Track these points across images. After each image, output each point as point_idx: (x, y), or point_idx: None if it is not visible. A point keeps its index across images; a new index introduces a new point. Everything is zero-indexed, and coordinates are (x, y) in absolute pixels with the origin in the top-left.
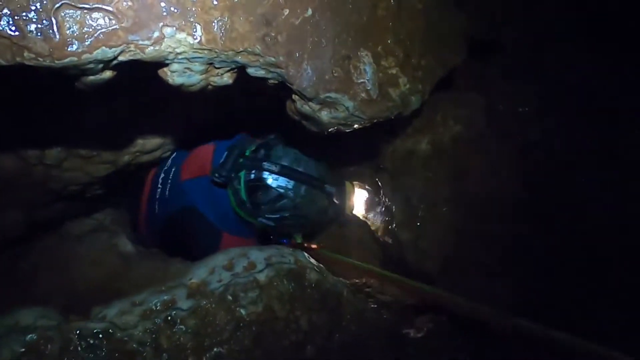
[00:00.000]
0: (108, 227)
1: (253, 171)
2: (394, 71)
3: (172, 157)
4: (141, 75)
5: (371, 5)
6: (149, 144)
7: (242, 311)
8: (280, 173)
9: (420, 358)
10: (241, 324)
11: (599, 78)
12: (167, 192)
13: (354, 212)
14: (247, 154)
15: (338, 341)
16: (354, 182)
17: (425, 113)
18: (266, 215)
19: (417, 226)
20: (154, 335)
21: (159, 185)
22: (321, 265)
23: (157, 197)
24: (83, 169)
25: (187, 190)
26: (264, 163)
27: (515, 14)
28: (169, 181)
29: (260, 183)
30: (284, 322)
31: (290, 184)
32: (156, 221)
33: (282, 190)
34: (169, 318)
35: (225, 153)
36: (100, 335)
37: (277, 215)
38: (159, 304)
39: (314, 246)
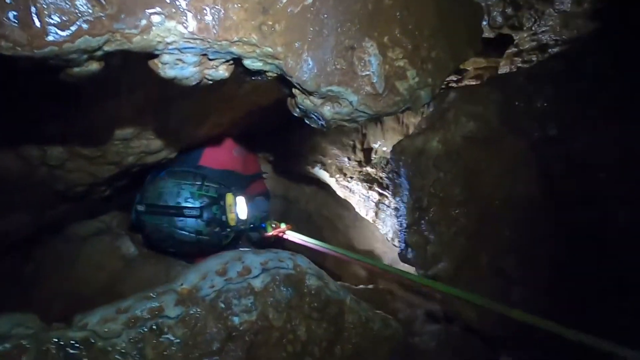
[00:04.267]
0: (113, 230)
1: (132, 214)
2: (401, 63)
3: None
4: (142, 72)
5: None
6: (154, 145)
7: (235, 320)
8: (146, 212)
9: None
10: (233, 334)
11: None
12: None
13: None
14: None
15: (339, 353)
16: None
17: (437, 109)
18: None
19: (428, 229)
20: (139, 345)
21: None
22: (323, 275)
23: None
24: (87, 170)
25: None
26: (137, 205)
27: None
28: None
29: (140, 224)
30: (280, 332)
31: (156, 219)
32: None
33: (153, 227)
34: (155, 327)
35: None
36: (80, 345)
37: (170, 243)
38: (145, 311)
39: (283, 226)
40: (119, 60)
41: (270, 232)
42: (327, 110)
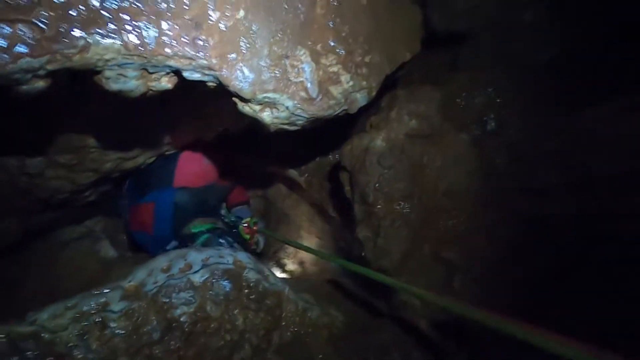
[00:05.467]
0: (94, 234)
1: None
2: (335, 69)
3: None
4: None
5: (309, 4)
6: (132, 148)
7: (175, 312)
8: None
9: (365, 356)
10: (173, 324)
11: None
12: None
13: None
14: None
15: (277, 340)
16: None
17: (382, 109)
18: None
19: (375, 223)
20: (84, 337)
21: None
22: (264, 269)
23: None
24: (66, 177)
25: (136, 238)
26: None
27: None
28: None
29: None
30: (218, 322)
31: None
32: None
33: None
34: (100, 320)
35: None
36: (29, 338)
37: None
38: (91, 307)
39: (254, 227)
40: (65, 77)
41: (246, 235)
42: (266, 115)
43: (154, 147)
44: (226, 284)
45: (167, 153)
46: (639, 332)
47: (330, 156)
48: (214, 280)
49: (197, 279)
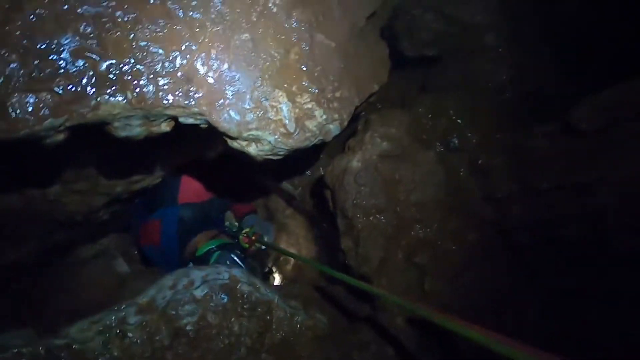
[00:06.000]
0: (109, 251)
1: None
2: (309, 105)
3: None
4: None
5: (284, 52)
6: (138, 174)
7: (181, 322)
8: None
9: (345, 351)
10: (180, 332)
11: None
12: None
13: None
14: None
15: (269, 342)
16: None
17: (358, 132)
18: None
19: (355, 234)
20: (108, 346)
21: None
22: (256, 281)
23: None
24: (82, 202)
25: (146, 252)
26: None
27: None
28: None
29: None
30: (217, 328)
31: None
32: None
33: None
34: (120, 331)
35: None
36: (63, 350)
37: None
38: (112, 321)
39: (253, 237)
40: (81, 130)
41: (245, 244)
42: (252, 149)
43: (158, 171)
44: (223, 297)
45: (170, 175)
46: (592, 319)
47: (321, 170)
48: (213, 294)
49: (198, 293)
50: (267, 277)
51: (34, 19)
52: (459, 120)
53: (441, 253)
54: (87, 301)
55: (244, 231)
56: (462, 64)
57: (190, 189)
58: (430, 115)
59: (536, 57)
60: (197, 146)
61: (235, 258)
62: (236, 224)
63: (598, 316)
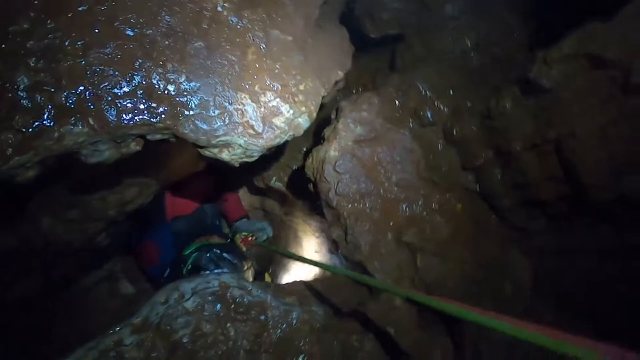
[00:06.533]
0: (114, 274)
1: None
2: (274, 103)
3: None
4: None
5: (240, 54)
6: (128, 195)
7: (176, 335)
8: None
9: (345, 338)
10: (176, 346)
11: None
12: None
13: None
14: None
15: (267, 341)
16: None
17: (332, 121)
18: None
19: (343, 223)
20: None
21: None
22: (246, 284)
23: None
24: (77, 230)
25: (148, 273)
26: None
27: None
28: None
29: None
30: (213, 336)
31: None
32: None
33: None
34: (116, 354)
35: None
36: None
37: None
38: (108, 345)
39: (249, 239)
40: (50, 162)
41: (241, 244)
42: (225, 155)
43: (147, 187)
44: (216, 304)
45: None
46: (582, 274)
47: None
48: (205, 303)
49: (190, 305)
50: (262, 276)
51: None
52: (429, 94)
53: (430, 228)
54: (95, 325)
55: (242, 233)
56: (426, 38)
57: (176, 203)
58: (400, 93)
59: (498, 22)
60: (179, 158)
61: (210, 256)
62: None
63: (588, 271)
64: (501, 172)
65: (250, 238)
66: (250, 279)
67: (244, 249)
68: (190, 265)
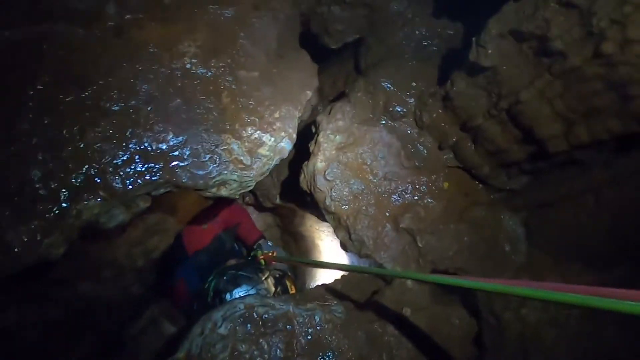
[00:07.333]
0: (156, 319)
1: None
2: (256, 135)
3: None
4: None
5: (215, 99)
6: (151, 244)
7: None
8: None
9: (368, 328)
10: None
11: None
12: None
13: None
14: None
15: (299, 345)
16: None
17: (314, 136)
18: None
19: (344, 224)
20: None
21: None
22: (268, 300)
23: None
24: (112, 287)
25: (184, 310)
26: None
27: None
28: None
29: None
30: (248, 354)
31: None
32: None
33: None
34: None
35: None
36: None
37: None
38: None
39: (270, 254)
40: (75, 235)
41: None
42: (224, 191)
43: (166, 233)
44: (245, 325)
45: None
46: (567, 222)
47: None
48: (236, 326)
49: (223, 331)
50: (283, 281)
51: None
52: (394, 90)
53: (423, 210)
54: None
55: (258, 252)
56: (381, 37)
57: (193, 238)
58: (368, 95)
59: (441, 12)
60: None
61: (227, 278)
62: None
63: (572, 214)
64: (473, 144)
65: (271, 253)
66: (272, 287)
67: (263, 263)
68: (212, 293)
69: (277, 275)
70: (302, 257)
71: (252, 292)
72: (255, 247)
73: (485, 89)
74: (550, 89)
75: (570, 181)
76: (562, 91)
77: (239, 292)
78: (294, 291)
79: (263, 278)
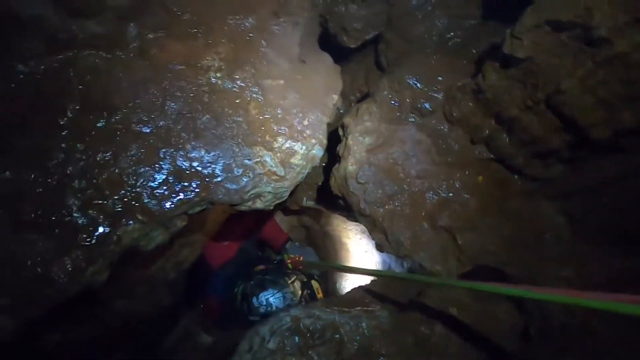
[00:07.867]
0: (191, 329)
1: None
2: (287, 145)
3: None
4: None
5: (243, 112)
6: (181, 256)
7: None
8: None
9: (413, 329)
10: None
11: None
12: None
13: None
14: None
15: (348, 353)
16: None
17: (342, 139)
18: None
19: (380, 227)
20: None
21: None
22: (313, 311)
23: None
24: (147, 302)
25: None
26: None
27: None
28: None
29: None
30: None
31: None
32: None
33: None
34: None
35: None
36: None
37: None
38: None
39: (297, 259)
40: (116, 259)
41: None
42: (259, 204)
43: (195, 244)
44: (293, 338)
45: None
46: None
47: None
48: (284, 340)
49: (272, 346)
50: (309, 283)
51: (39, 197)
52: (420, 86)
53: (459, 206)
54: None
55: (285, 256)
56: (402, 32)
57: (216, 252)
58: (394, 94)
59: (461, 1)
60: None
61: (254, 283)
62: (275, 257)
63: (613, 198)
64: (508, 136)
65: (298, 257)
66: (299, 290)
67: (291, 267)
68: (240, 297)
69: (305, 280)
70: (329, 260)
71: (278, 295)
72: (282, 251)
73: (520, 80)
74: (593, 76)
75: (612, 167)
76: (607, 78)
77: (265, 296)
78: (320, 294)
79: (289, 282)
